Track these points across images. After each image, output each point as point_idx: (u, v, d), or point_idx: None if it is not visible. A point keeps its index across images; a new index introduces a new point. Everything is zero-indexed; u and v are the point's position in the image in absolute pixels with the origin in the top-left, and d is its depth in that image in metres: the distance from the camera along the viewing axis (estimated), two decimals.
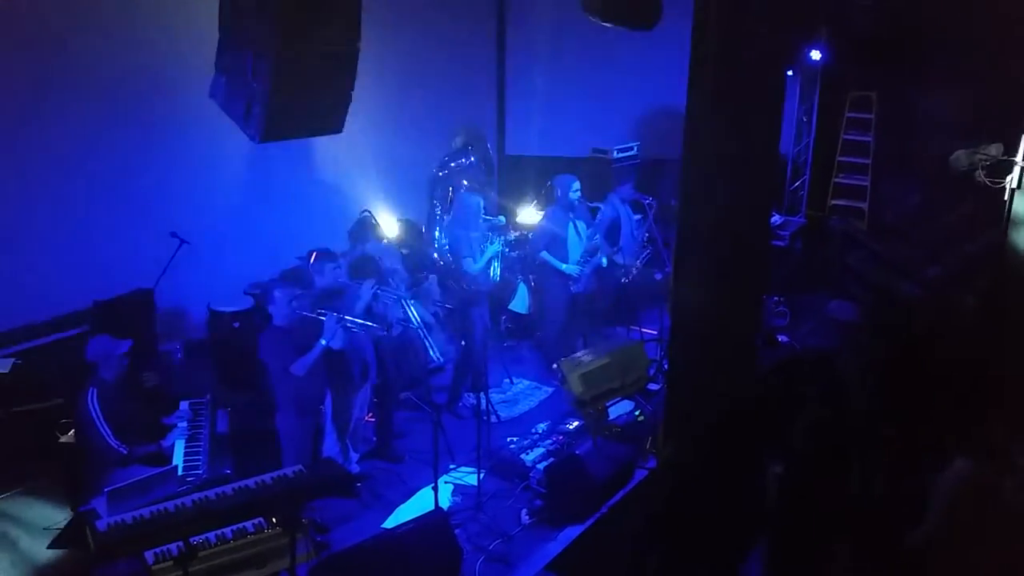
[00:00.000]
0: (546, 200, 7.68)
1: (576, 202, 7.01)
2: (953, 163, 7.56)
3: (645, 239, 7.80)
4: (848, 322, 7.49)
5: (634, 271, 7.70)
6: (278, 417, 5.17)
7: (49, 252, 5.86)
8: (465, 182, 7.19)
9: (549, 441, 6.11)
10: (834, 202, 10.04)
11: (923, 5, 8.14)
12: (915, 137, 8.84)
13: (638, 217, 7.88)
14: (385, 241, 6.02)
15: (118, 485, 4.18)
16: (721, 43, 3.30)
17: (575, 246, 7.07)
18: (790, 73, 8.94)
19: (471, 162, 6.95)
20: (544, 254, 7.03)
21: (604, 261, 7.26)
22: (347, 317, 5.22)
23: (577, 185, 6.98)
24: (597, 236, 7.19)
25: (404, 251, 6.23)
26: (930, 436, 4.85)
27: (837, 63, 9.11)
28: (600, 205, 7.29)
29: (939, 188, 8.22)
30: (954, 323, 6.25)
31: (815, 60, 9.08)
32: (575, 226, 7.06)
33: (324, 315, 5.09)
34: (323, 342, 5.02)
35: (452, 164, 6.88)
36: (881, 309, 6.95)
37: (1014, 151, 7.01)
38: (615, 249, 7.57)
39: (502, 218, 7.11)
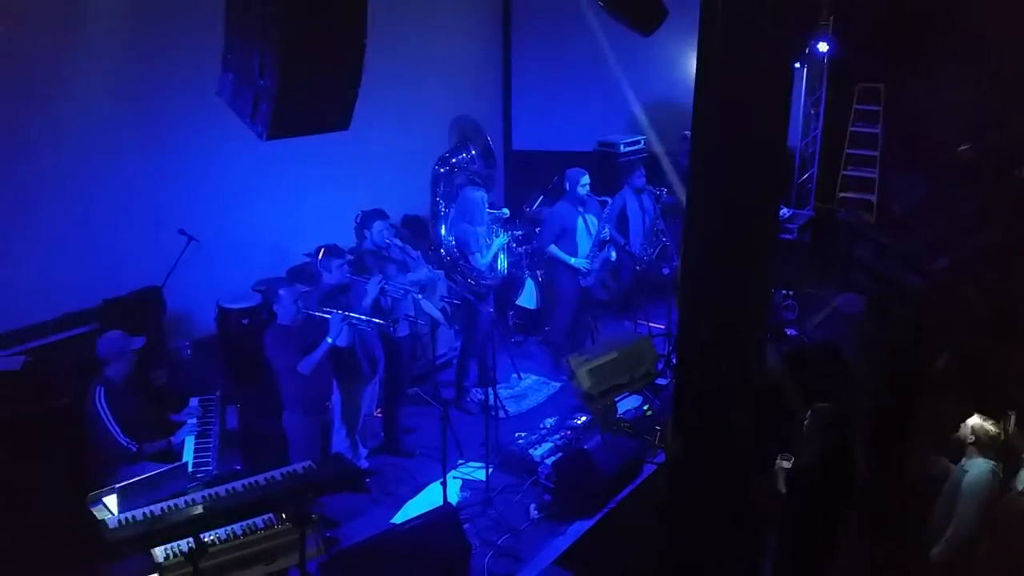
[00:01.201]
0: (555, 194, 7.67)
1: (586, 196, 7.01)
2: (961, 155, 7.52)
3: (658, 230, 7.82)
4: (856, 315, 7.46)
5: (646, 260, 7.70)
6: (284, 415, 5.18)
7: (58, 250, 5.87)
8: (467, 176, 7.19)
9: (557, 436, 6.11)
10: (842, 195, 9.99)
11: None
12: (923, 129, 8.79)
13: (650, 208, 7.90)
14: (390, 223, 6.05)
15: (128, 482, 4.20)
16: (728, 35, 3.28)
17: (584, 240, 7.06)
18: (797, 65, 8.89)
19: (471, 156, 6.94)
20: (553, 248, 7.02)
21: (613, 255, 7.25)
22: (353, 314, 5.23)
23: (586, 179, 6.96)
24: (607, 229, 7.17)
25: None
26: (937, 430, 4.84)
27: (844, 55, 9.05)
28: (608, 199, 7.30)
29: (947, 180, 8.18)
30: (962, 316, 6.23)
31: (822, 52, 9.03)
32: (585, 220, 7.05)
33: (329, 313, 5.09)
34: (329, 340, 5.02)
35: (453, 160, 6.89)
36: (889, 302, 6.92)
37: (1023, 142, 6.97)
38: (625, 241, 7.55)
39: (506, 210, 7.13)
